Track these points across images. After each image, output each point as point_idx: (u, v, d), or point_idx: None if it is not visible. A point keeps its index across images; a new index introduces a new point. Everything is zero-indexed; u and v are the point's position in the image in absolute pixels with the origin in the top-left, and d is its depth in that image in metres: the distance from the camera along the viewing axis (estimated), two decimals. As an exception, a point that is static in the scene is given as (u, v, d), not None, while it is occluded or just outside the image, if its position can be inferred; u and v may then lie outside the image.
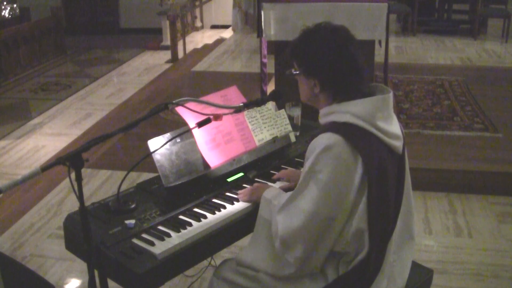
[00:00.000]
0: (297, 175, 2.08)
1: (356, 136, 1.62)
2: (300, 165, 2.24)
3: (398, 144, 1.71)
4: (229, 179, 2.10)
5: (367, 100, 1.66)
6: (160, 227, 1.82)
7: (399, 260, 1.79)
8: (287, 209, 1.68)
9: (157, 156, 1.93)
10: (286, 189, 2.02)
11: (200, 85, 6.53)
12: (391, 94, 1.70)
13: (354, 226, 1.64)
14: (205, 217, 1.88)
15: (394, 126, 1.72)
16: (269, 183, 2.08)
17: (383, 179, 1.65)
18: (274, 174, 2.16)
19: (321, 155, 1.60)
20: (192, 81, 6.79)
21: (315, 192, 1.61)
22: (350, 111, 1.64)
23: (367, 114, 1.64)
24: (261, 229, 1.82)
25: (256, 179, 2.13)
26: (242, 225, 1.92)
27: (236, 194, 2.02)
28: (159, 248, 1.70)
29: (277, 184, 2.09)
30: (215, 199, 2.00)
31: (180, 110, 1.97)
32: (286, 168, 2.22)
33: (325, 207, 1.60)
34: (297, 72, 1.75)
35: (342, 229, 1.65)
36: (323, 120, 1.74)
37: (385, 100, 1.68)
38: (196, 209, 1.93)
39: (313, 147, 1.65)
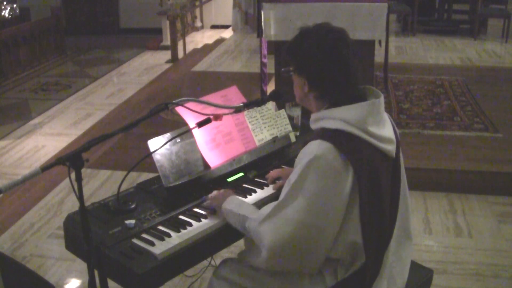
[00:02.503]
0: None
1: (346, 144, 1.60)
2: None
3: (390, 148, 1.70)
4: (229, 179, 2.10)
5: (358, 105, 1.64)
6: (160, 227, 1.82)
7: (398, 261, 1.79)
8: (273, 219, 1.62)
9: (157, 156, 1.93)
10: (279, 189, 2.02)
11: (200, 85, 6.53)
12: (382, 98, 1.69)
13: (348, 234, 1.63)
14: (205, 217, 1.88)
15: (386, 130, 1.70)
16: (228, 190, 1.97)
17: (376, 186, 1.64)
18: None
19: (311, 163, 1.58)
20: (192, 81, 6.79)
21: (304, 201, 1.58)
22: (340, 117, 1.63)
23: (358, 119, 1.62)
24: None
25: (256, 179, 2.13)
26: (242, 225, 1.92)
27: (237, 194, 2.02)
28: (159, 248, 1.70)
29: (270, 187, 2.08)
30: (215, 199, 1.99)
31: (180, 110, 1.97)
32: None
33: (314, 216, 1.58)
34: (291, 69, 1.75)
35: (336, 237, 1.63)
36: (313, 125, 1.73)
37: (375, 104, 1.66)
38: (196, 209, 1.93)
39: (302, 155, 1.63)
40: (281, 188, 2.03)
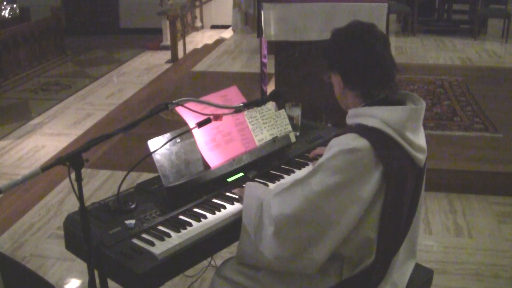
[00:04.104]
0: None
1: (382, 144, 1.58)
2: (300, 165, 2.24)
3: (421, 157, 1.68)
4: (229, 179, 2.10)
5: (399, 108, 1.63)
6: (160, 227, 1.82)
7: (401, 266, 1.79)
8: (286, 193, 1.63)
9: (157, 156, 1.93)
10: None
11: (200, 85, 6.53)
12: (424, 106, 1.67)
13: (363, 230, 1.62)
14: (205, 217, 1.88)
15: (421, 139, 1.68)
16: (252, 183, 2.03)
17: (401, 190, 1.62)
18: (274, 174, 2.16)
19: (341, 153, 1.56)
20: (192, 81, 6.79)
21: (320, 183, 1.56)
22: (380, 117, 1.61)
23: (398, 122, 1.60)
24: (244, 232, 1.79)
25: (256, 179, 2.13)
26: (242, 225, 1.92)
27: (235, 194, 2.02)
28: (159, 248, 1.70)
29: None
30: (215, 199, 1.99)
31: (180, 110, 1.97)
32: (286, 168, 2.21)
33: (325, 201, 1.55)
34: (328, 69, 1.74)
35: (348, 234, 1.61)
36: (350, 120, 1.71)
37: (417, 111, 1.65)
38: (196, 209, 1.93)
39: (335, 143, 1.61)
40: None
